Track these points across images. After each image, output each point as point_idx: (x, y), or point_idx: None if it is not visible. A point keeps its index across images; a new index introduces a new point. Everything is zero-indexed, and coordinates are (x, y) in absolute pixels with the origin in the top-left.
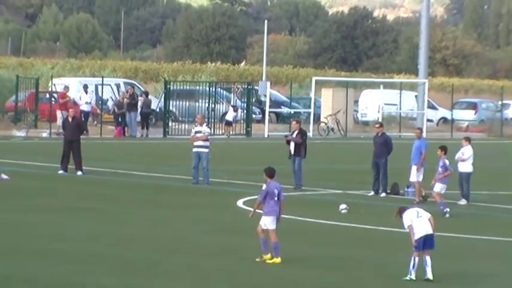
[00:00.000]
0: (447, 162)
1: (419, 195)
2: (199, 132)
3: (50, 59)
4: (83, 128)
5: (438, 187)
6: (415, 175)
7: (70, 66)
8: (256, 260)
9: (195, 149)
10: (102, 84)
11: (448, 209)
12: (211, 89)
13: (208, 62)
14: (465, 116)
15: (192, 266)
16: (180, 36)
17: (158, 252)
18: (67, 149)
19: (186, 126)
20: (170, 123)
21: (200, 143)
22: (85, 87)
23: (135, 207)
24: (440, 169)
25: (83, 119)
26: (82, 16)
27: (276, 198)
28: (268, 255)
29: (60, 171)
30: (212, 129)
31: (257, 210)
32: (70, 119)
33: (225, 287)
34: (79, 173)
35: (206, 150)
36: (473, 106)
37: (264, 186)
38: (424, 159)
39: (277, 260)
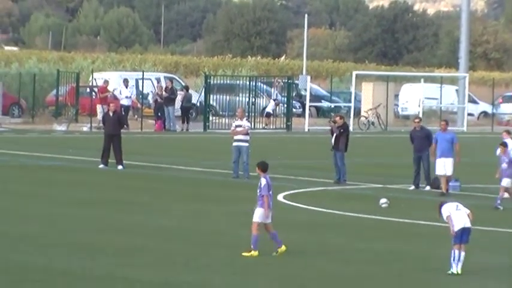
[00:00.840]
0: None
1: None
2: (240, 126)
3: (91, 54)
4: (124, 122)
5: (505, 181)
6: (451, 166)
7: (111, 60)
8: (251, 253)
9: (235, 143)
10: (143, 79)
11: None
12: (251, 83)
13: (249, 56)
14: None
15: (231, 260)
16: (221, 30)
17: (197, 246)
18: (107, 143)
19: (227, 120)
20: (211, 118)
21: (240, 137)
22: (125, 81)
23: (175, 201)
24: (505, 165)
25: (123, 113)
26: (122, 10)
27: (267, 190)
28: (256, 252)
29: (101, 166)
30: (252, 124)
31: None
32: (111, 113)
33: (265, 280)
34: (120, 167)
35: (246, 144)
36: None
37: (264, 180)
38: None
39: (283, 248)
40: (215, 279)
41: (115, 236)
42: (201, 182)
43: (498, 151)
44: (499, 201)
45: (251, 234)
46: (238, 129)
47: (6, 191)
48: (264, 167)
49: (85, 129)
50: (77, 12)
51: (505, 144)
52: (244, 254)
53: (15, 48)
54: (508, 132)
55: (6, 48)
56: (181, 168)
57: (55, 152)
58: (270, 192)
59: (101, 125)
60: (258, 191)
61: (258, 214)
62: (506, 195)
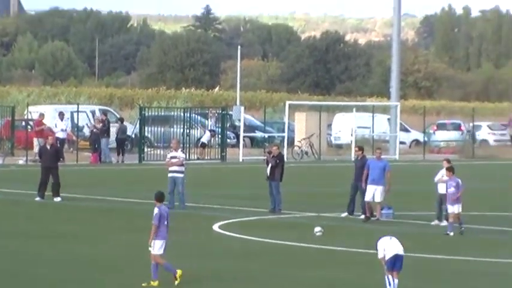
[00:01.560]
0: (460, 181)
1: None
2: (175, 157)
3: (26, 87)
4: (60, 155)
5: (457, 208)
6: (380, 194)
7: (46, 93)
8: (143, 284)
9: (170, 174)
10: (78, 112)
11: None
12: (186, 114)
13: (183, 88)
14: (449, 136)
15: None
16: (155, 62)
17: (134, 277)
18: (45, 176)
19: (162, 151)
20: (146, 149)
21: (175, 168)
22: (60, 114)
23: (111, 231)
24: (453, 189)
25: (58, 145)
26: (57, 44)
27: (165, 223)
28: (157, 282)
29: (37, 198)
30: (187, 154)
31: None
32: (48, 146)
33: None
34: (57, 199)
35: (181, 175)
36: (459, 127)
37: (156, 210)
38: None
39: (155, 283)
40: None
41: (53, 267)
42: (137, 212)
43: (439, 176)
44: (450, 229)
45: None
46: (173, 160)
47: None
48: (157, 197)
49: (21, 162)
50: (11, 47)
51: (451, 169)
52: (143, 285)
53: None
54: (448, 160)
55: None
56: (117, 200)
57: None
58: (165, 223)
59: (37, 158)
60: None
61: (157, 246)
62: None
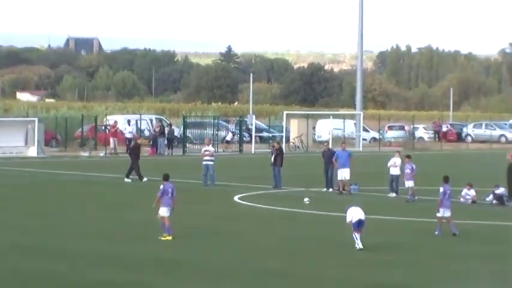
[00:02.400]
0: (414, 165)
1: (342, 188)
2: (207, 150)
3: (104, 103)
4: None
5: (411, 183)
6: (348, 174)
7: (118, 107)
8: (159, 237)
9: (204, 162)
10: (141, 119)
11: (416, 198)
12: (214, 121)
13: (212, 103)
14: (397, 134)
15: (206, 240)
16: (193, 85)
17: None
18: (134, 163)
19: (198, 146)
20: (187, 145)
21: (208, 158)
22: (128, 121)
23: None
24: (409, 170)
25: (127, 143)
26: (125, 73)
27: (169, 195)
28: (165, 235)
29: (127, 180)
30: (216, 148)
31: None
32: (136, 143)
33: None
34: (145, 179)
35: (212, 162)
36: (403, 128)
37: (161, 186)
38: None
39: (169, 237)
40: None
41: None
42: (181, 189)
43: (391, 163)
44: (409, 198)
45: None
46: (206, 152)
47: (49, 197)
48: (165, 178)
49: (101, 154)
50: (94, 75)
51: (409, 157)
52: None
53: (52, 100)
54: (399, 152)
55: (47, 100)
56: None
57: (82, 171)
58: (169, 195)
59: (113, 151)
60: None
61: (163, 211)
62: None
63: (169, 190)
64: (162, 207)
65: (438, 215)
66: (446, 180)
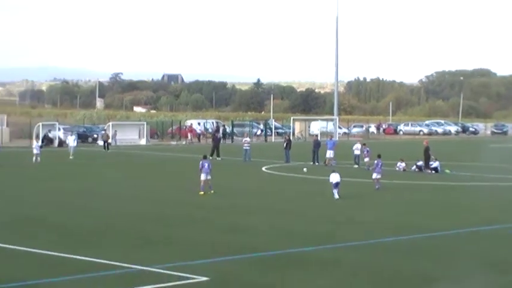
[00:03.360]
0: (368, 149)
1: (327, 162)
2: (246, 140)
3: (184, 113)
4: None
5: (367, 159)
6: (332, 154)
7: (192, 115)
8: (200, 193)
9: (244, 147)
10: (206, 122)
11: (369, 168)
12: (250, 123)
13: (248, 112)
14: (358, 130)
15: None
16: (237, 101)
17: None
18: (213, 147)
19: (240, 138)
20: (234, 137)
21: (246, 145)
22: (198, 123)
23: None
24: (366, 152)
25: (198, 137)
26: (197, 95)
27: (206, 167)
28: (202, 192)
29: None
30: (251, 139)
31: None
32: (218, 135)
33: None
34: (218, 158)
35: (249, 147)
36: (362, 126)
37: (201, 162)
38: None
39: (212, 191)
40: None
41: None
42: (230, 163)
43: (357, 146)
44: (366, 167)
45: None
46: (245, 141)
47: (155, 167)
48: (204, 157)
49: (183, 143)
50: (179, 96)
51: (365, 144)
52: (200, 193)
53: (154, 111)
54: (359, 141)
55: (151, 111)
56: (226, 158)
57: (171, 152)
58: (206, 166)
59: (190, 141)
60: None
61: (202, 176)
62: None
63: (206, 165)
64: (202, 173)
65: (373, 177)
66: (379, 156)
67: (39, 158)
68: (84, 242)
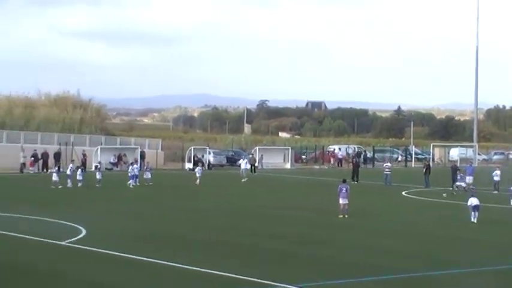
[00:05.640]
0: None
1: (466, 188)
2: (387, 165)
3: (327, 138)
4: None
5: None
6: (471, 180)
7: (335, 140)
8: (339, 216)
9: (384, 172)
10: (348, 148)
11: None
12: (391, 148)
13: (389, 138)
14: (498, 156)
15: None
16: (378, 128)
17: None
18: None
19: (381, 163)
20: (375, 162)
21: (387, 169)
22: (339, 148)
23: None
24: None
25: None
26: (339, 121)
27: (344, 191)
28: (341, 215)
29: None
30: (391, 164)
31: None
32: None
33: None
34: (356, 182)
35: (389, 172)
36: (503, 153)
37: (339, 186)
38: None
39: (346, 216)
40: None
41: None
42: (370, 186)
43: (497, 172)
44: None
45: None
46: (386, 166)
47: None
48: (343, 180)
49: (326, 167)
50: (322, 122)
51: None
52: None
53: (298, 137)
54: (498, 166)
55: (295, 136)
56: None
57: (314, 176)
58: (344, 191)
59: (332, 165)
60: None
61: (340, 200)
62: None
63: (344, 189)
64: (341, 198)
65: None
66: None
67: (198, 181)
68: (228, 258)
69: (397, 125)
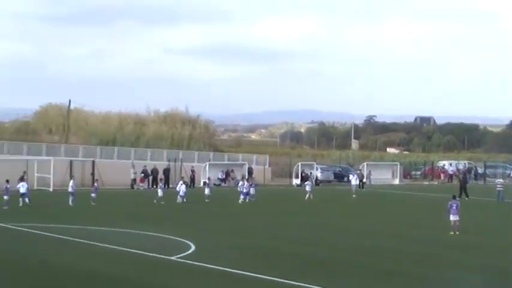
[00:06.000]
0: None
1: None
2: (499, 181)
3: (437, 153)
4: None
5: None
6: None
7: (443, 156)
8: (450, 233)
9: (497, 188)
10: (457, 163)
11: None
12: (503, 164)
13: (501, 153)
14: None
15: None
16: (489, 143)
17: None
18: (461, 187)
19: (493, 179)
20: (487, 178)
21: (499, 186)
22: (450, 164)
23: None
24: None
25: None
26: (449, 136)
27: (454, 207)
28: (452, 233)
29: None
30: (504, 180)
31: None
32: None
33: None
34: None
35: (502, 188)
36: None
37: (449, 203)
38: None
39: (457, 232)
40: None
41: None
42: (481, 202)
43: None
44: None
45: None
46: (498, 182)
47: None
48: (453, 197)
49: (435, 183)
50: (431, 138)
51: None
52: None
53: (407, 152)
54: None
55: (404, 152)
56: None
57: (421, 192)
58: (454, 207)
59: (441, 181)
60: None
61: (451, 217)
62: None
63: (454, 206)
64: (452, 214)
65: None
66: None
67: (311, 195)
68: (325, 274)
69: (510, 140)
